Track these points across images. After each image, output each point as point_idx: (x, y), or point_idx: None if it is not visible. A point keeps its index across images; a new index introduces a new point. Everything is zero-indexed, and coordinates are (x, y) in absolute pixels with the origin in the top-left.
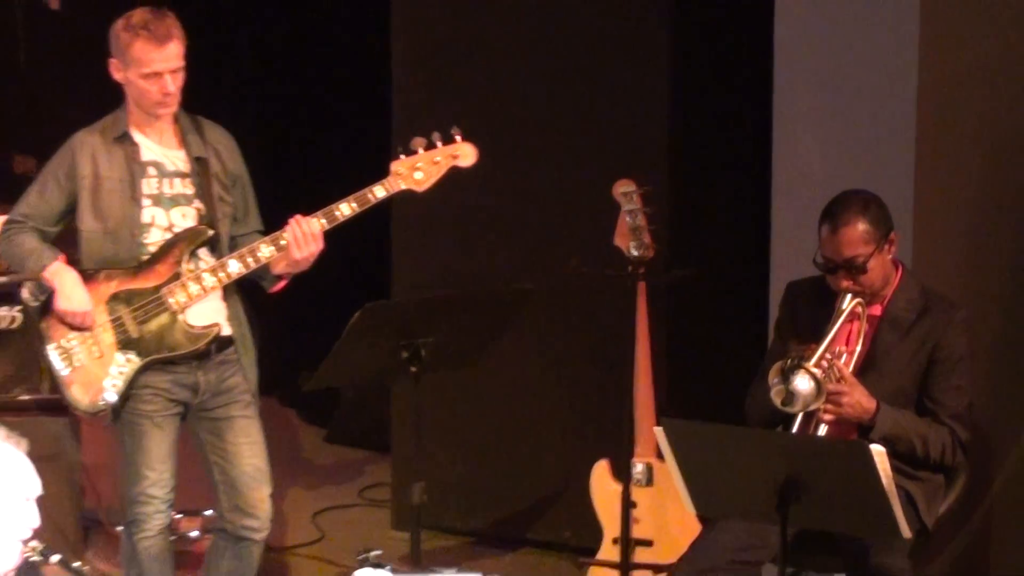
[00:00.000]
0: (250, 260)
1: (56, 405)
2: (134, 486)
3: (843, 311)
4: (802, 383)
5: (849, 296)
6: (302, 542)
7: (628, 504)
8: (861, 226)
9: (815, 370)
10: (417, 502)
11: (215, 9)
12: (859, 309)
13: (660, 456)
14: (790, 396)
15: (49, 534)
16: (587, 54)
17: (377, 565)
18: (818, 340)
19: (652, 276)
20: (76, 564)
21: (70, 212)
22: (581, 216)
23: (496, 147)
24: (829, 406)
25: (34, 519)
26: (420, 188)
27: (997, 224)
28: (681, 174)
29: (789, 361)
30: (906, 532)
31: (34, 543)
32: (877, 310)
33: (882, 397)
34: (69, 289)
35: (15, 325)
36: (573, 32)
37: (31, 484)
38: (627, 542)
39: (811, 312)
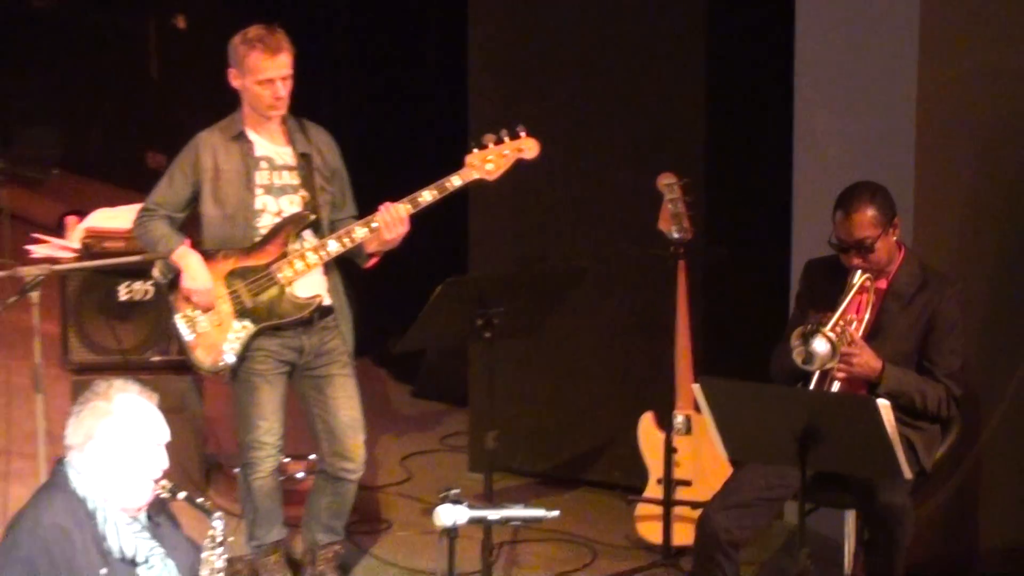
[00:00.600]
0: (347, 240)
1: (182, 365)
2: (248, 434)
3: (854, 285)
4: (819, 345)
5: (859, 272)
6: (391, 482)
7: (670, 450)
8: (870, 212)
9: (830, 334)
10: (490, 448)
11: (317, 24)
12: (868, 283)
13: (697, 409)
14: (809, 356)
15: (176, 475)
16: (634, 63)
17: (456, 501)
18: (833, 309)
19: (690, 256)
20: (199, 500)
21: (194, 200)
22: (630, 203)
23: (557, 142)
24: (842, 365)
25: (164, 462)
26: (491, 178)
27: (987, 210)
28: (715, 167)
29: (808, 327)
30: (907, 473)
31: (164, 482)
32: (883, 284)
33: (887, 358)
34: (193, 270)
35: (148, 297)
36: (623, 44)
37: (161, 432)
38: (669, 482)
39: (826, 286)
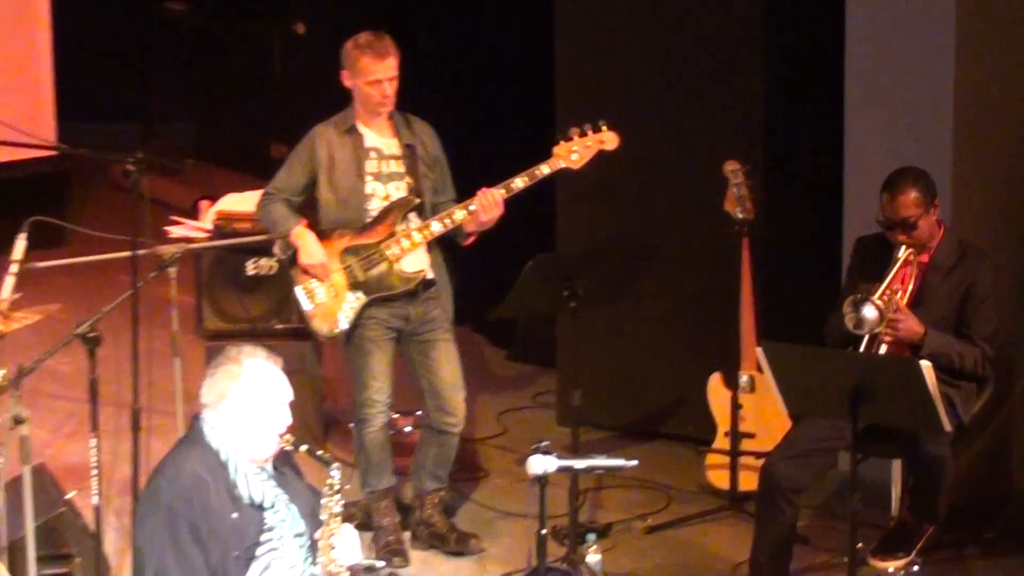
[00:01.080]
0: (448, 222)
1: (303, 332)
2: (361, 393)
3: (899, 259)
4: (868, 312)
5: (903, 247)
6: (489, 435)
7: (736, 406)
8: (913, 194)
9: (878, 302)
10: (576, 405)
11: (418, 30)
12: (911, 257)
13: (760, 369)
14: (859, 322)
15: (298, 429)
16: (701, 63)
17: (546, 452)
18: (880, 281)
19: (753, 234)
20: (319, 452)
21: (310, 186)
22: (699, 188)
23: (634, 133)
24: (888, 330)
25: (287, 418)
26: (576, 167)
27: (1017, 191)
28: (773, 154)
29: (859, 296)
30: (947, 426)
31: (287, 436)
32: (925, 258)
33: (928, 324)
34: (308, 247)
35: (272, 272)
36: (691, 45)
37: (285, 391)
38: (735, 435)
39: (874, 259)
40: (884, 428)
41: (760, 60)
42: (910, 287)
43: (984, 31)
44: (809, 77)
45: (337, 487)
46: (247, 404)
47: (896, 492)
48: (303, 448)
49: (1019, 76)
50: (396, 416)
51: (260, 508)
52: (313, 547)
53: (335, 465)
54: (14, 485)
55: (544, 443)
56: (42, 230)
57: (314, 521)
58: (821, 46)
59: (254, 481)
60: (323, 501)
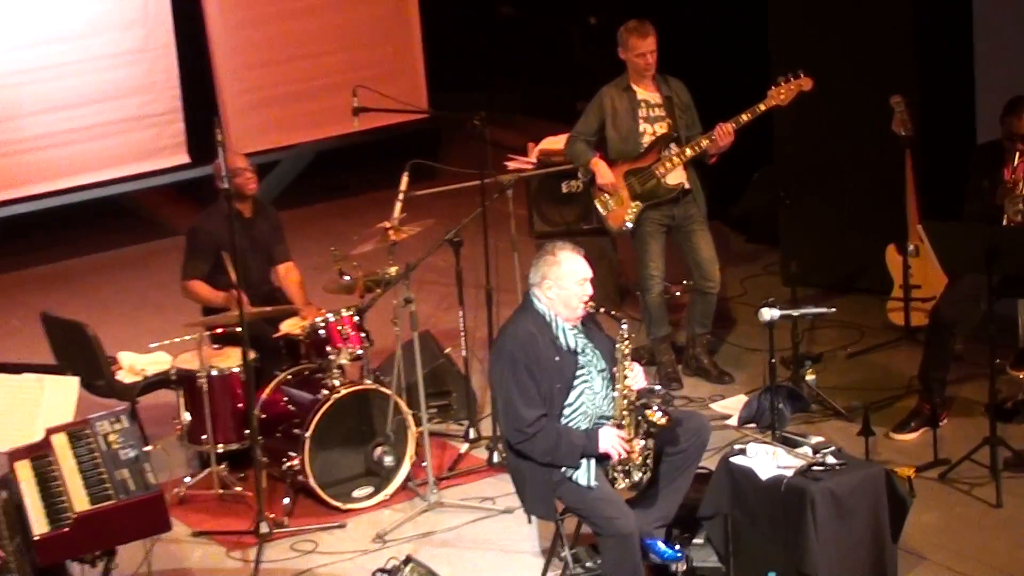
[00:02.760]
0: (696, 148)
1: (602, 230)
2: (643, 270)
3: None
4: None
5: (1017, 155)
6: (735, 295)
7: (907, 266)
8: None
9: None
10: (793, 271)
11: (669, 15)
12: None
13: (922, 240)
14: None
15: (599, 297)
16: (874, 24)
17: (772, 305)
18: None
19: (913, 147)
20: (613, 312)
21: (600, 129)
22: (874, 114)
23: (826, 76)
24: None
25: (589, 289)
26: (784, 103)
27: None
28: (927, 88)
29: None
30: None
31: (591, 303)
32: None
33: None
34: (602, 172)
35: (578, 189)
36: (865, 9)
37: (587, 271)
38: (907, 286)
39: (990, 161)
40: (1012, 277)
41: (913, 22)
42: None
43: None
44: (947, 31)
45: (627, 336)
46: (561, 281)
47: (1021, 323)
48: (602, 310)
49: None
50: (669, 284)
51: (574, 353)
52: (612, 379)
53: (625, 321)
54: (408, 346)
55: (771, 299)
56: (420, 169)
57: (611, 361)
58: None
59: (569, 335)
60: (617, 346)
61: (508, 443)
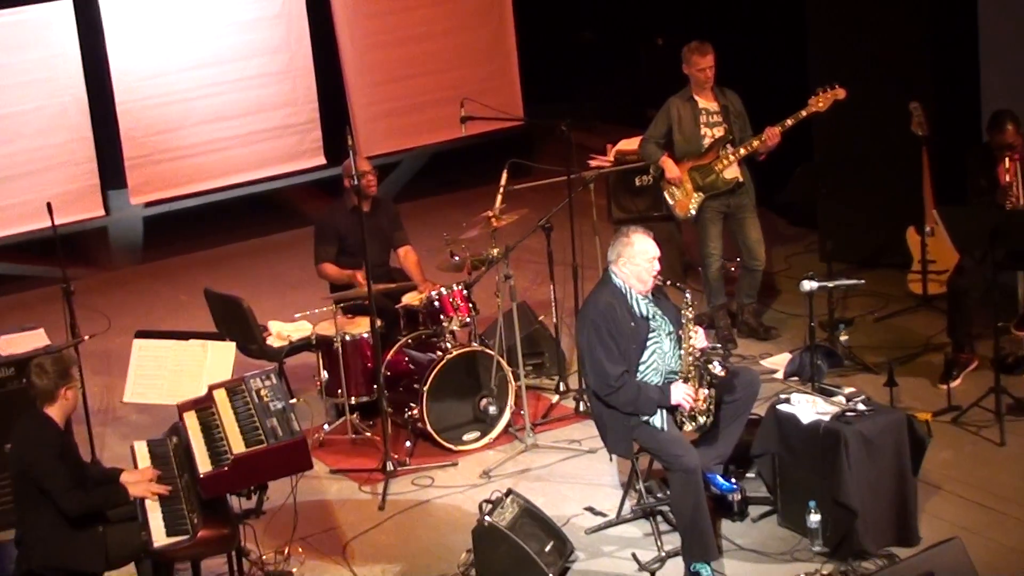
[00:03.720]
0: (748, 148)
1: (670, 217)
2: (704, 249)
3: (1007, 168)
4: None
5: (1007, 159)
6: (779, 270)
7: (924, 244)
8: (1010, 127)
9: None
10: (829, 249)
11: (726, 38)
12: (1008, 163)
13: (937, 222)
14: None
15: (666, 272)
16: (896, 40)
17: (811, 278)
18: (995, 177)
19: (929, 145)
20: (679, 284)
21: (668, 133)
22: (897, 117)
23: (857, 87)
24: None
25: (658, 265)
26: (822, 110)
27: None
28: (941, 97)
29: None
30: None
31: (659, 277)
32: (1016, 158)
33: None
34: (670, 168)
35: (649, 183)
36: (887, 28)
37: (655, 250)
38: (924, 260)
39: (984, 161)
40: (1012, 252)
41: (931, 31)
42: (1017, 175)
43: None
44: (957, 48)
45: (691, 304)
46: (634, 259)
47: (1021, 292)
48: (669, 282)
49: None
50: (725, 260)
51: (646, 319)
52: (678, 340)
53: (688, 292)
54: (508, 315)
55: (811, 273)
56: (516, 167)
57: (678, 325)
58: (966, 14)
59: (642, 304)
60: (683, 312)
61: (595, 394)
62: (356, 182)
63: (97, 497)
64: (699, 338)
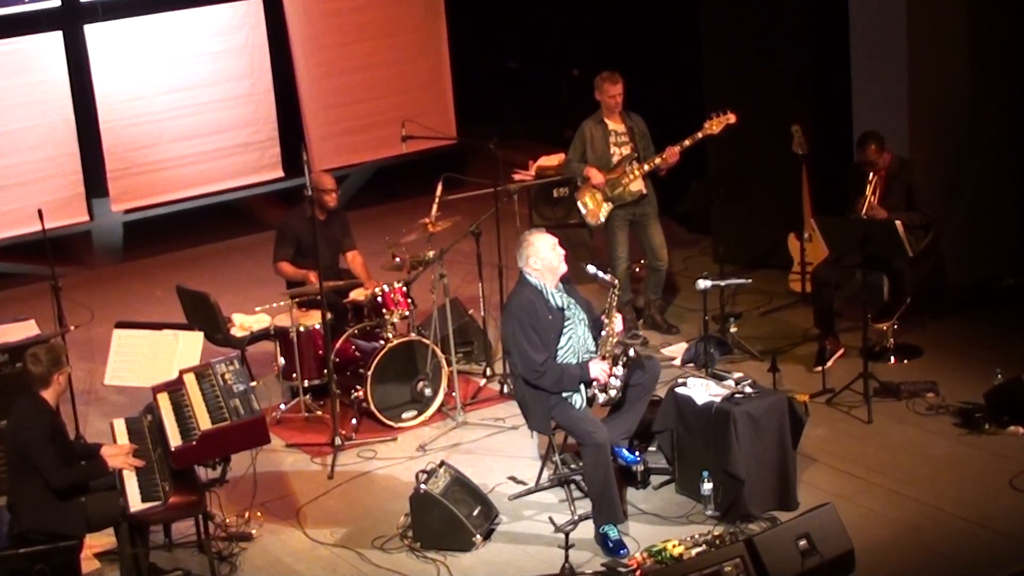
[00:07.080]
0: (651, 164)
1: (583, 224)
2: (612, 252)
3: (871, 181)
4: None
5: (871, 174)
6: (678, 270)
7: (803, 249)
8: (872, 146)
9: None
10: (721, 252)
11: (631, 68)
12: (874, 178)
13: (814, 230)
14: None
15: (575, 270)
16: (781, 63)
17: (706, 278)
18: (864, 190)
19: (808, 163)
20: (607, 276)
21: (584, 151)
22: (779, 137)
23: (745, 110)
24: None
25: (561, 251)
26: (715, 133)
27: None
28: (820, 116)
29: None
30: (910, 253)
31: (563, 271)
32: (883, 172)
33: (892, 209)
34: (595, 176)
35: (565, 196)
36: (772, 52)
37: (552, 239)
38: (803, 263)
39: (860, 176)
40: (875, 256)
41: (810, 63)
42: (877, 190)
43: (936, 30)
44: (833, 77)
45: (617, 291)
46: (540, 252)
47: (885, 288)
48: (604, 273)
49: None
50: (632, 262)
51: (561, 310)
52: (593, 326)
53: (616, 281)
54: (442, 309)
55: (705, 273)
56: (451, 180)
57: (589, 313)
58: (840, 50)
59: (557, 296)
60: (608, 299)
61: (522, 378)
62: (312, 193)
63: (81, 472)
64: (618, 323)
